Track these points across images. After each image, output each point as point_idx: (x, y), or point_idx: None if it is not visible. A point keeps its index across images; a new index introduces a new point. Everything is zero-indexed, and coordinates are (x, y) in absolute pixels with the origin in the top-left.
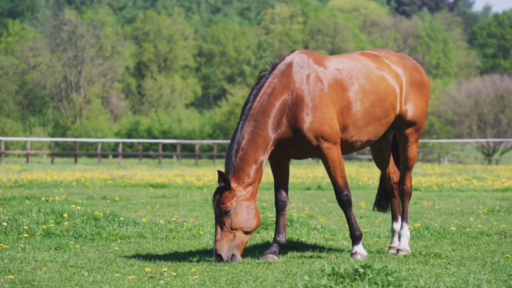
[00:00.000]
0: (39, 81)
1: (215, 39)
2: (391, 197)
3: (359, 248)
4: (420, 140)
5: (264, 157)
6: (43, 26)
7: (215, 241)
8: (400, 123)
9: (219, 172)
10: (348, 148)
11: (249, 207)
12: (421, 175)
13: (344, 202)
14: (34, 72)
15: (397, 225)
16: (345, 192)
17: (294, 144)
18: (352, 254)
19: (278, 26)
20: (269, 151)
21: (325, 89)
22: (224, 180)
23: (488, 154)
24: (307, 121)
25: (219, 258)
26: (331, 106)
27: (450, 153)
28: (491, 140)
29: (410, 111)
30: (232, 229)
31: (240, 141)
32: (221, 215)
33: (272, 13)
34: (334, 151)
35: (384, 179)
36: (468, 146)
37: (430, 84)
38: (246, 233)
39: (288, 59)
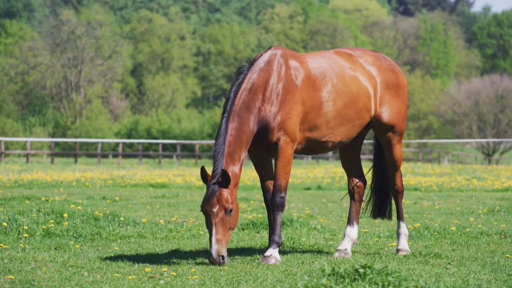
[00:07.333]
0: (39, 81)
1: (213, 38)
2: (351, 200)
3: (275, 252)
4: (420, 140)
5: (245, 154)
6: (41, 26)
7: (216, 241)
8: (378, 126)
9: (223, 171)
10: (320, 148)
11: (238, 205)
12: (421, 175)
13: (278, 204)
14: (34, 72)
15: (350, 230)
16: (283, 194)
17: (261, 139)
18: (265, 257)
19: (277, 26)
20: (248, 148)
21: (298, 86)
22: (226, 179)
23: (488, 154)
24: (278, 116)
25: (222, 259)
26: (300, 104)
27: (450, 153)
28: (491, 140)
29: (385, 113)
30: (229, 228)
31: (227, 138)
32: (222, 214)
33: (271, 13)
34: (289, 149)
35: (348, 181)
36: (468, 146)
37: (430, 84)
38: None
39: (265, 55)
